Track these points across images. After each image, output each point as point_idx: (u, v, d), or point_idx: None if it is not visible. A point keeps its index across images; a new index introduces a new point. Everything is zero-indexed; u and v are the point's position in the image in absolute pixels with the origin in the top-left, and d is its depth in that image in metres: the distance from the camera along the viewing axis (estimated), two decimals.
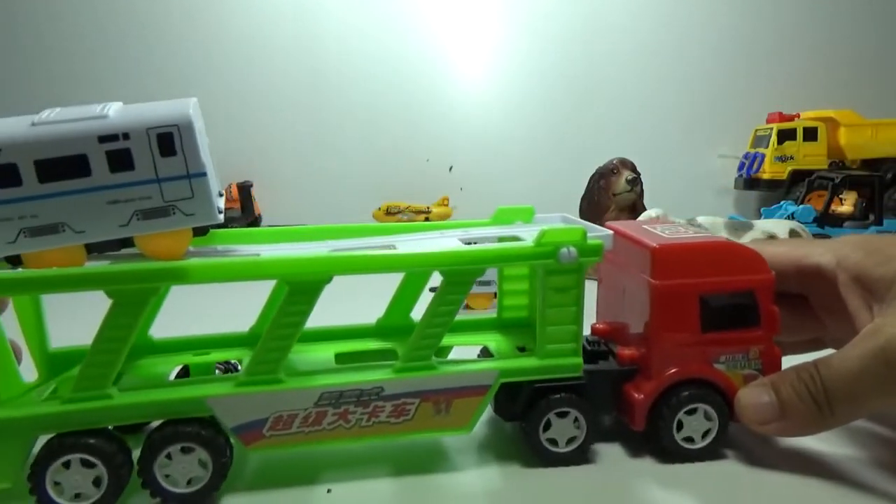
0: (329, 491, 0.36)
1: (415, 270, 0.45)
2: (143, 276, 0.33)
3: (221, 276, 0.35)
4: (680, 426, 0.39)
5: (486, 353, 0.45)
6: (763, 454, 0.40)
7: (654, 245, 0.39)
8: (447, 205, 1.61)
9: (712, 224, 0.81)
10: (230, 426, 0.35)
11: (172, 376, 0.41)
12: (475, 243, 0.40)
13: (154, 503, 0.35)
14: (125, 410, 0.34)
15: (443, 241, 0.41)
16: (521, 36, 1.68)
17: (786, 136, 1.48)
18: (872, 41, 1.67)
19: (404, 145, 1.69)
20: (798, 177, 1.42)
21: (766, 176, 1.50)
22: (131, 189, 0.31)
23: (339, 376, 0.37)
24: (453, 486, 0.37)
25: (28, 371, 0.40)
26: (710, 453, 0.39)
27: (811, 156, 1.47)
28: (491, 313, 0.49)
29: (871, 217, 1.16)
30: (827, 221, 1.14)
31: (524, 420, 0.39)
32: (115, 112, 0.31)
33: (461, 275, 0.36)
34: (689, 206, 1.17)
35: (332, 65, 1.67)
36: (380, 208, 1.57)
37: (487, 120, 1.69)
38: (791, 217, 1.08)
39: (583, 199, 1.01)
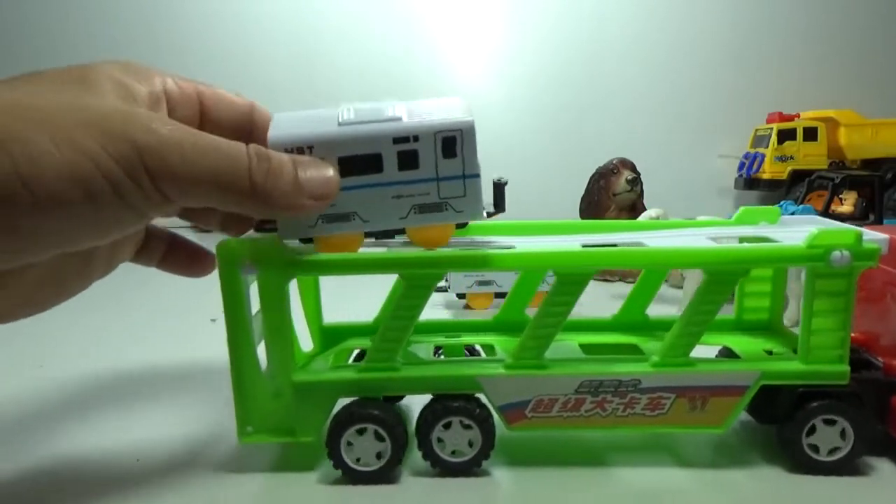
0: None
1: (673, 268, 0.48)
2: (442, 262, 0.37)
3: (518, 265, 0.40)
4: None
5: (725, 354, 0.46)
6: None
7: None
8: None
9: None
10: (497, 405, 0.38)
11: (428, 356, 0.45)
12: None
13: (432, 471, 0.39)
14: (409, 382, 0.38)
15: (693, 240, 0.42)
16: (520, 37, 1.68)
17: (786, 136, 1.49)
18: (873, 41, 1.68)
19: None
20: (798, 177, 1.43)
21: (766, 176, 1.51)
22: (414, 186, 0.35)
23: (598, 366, 0.39)
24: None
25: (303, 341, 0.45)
26: None
27: (811, 156, 1.48)
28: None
29: (872, 217, 1.16)
30: None
31: (785, 424, 0.38)
32: (405, 114, 0.35)
33: (726, 275, 0.37)
34: (689, 206, 1.17)
35: (333, 65, 1.67)
36: None
37: (487, 120, 1.69)
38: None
39: (583, 199, 1.01)
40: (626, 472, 0.39)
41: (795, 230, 0.42)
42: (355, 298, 0.49)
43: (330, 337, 0.48)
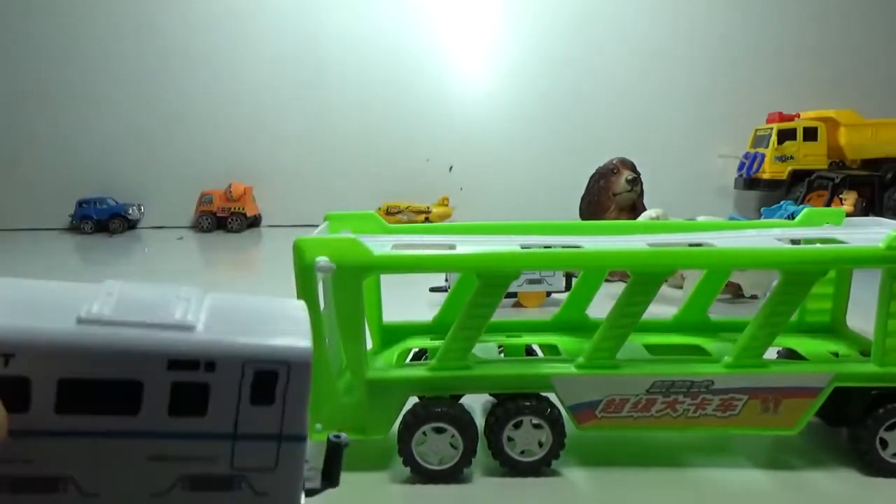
0: None
1: (752, 269, 0.49)
2: (521, 261, 0.37)
3: (603, 264, 0.39)
4: None
5: (786, 355, 0.46)
6: None
7: None
8: (447, 205, 1.61)
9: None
10: (568, 404, 0.38)
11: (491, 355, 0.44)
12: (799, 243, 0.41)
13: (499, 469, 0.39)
14: (481, 381, 0.38)
15: (762, 240, 0.41)
16: (521, 37, 1.69)
17: (786, 136, 1.50)
18: (873, 41, 1.69)
19: (404, 145, 1.69)
20: (798, 177, 1.43)
21: (766, 176, 1.51)
22: (189, 443, 0.21)
23: (671, 366, 0.39)
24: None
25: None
26: None
27: (811, 156, 1.48)
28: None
29: (871, 217, 1.16)
30: None
31: (857, 427, 0.38)
32: (202, 320, 0.21)
33: (804, 275, 0.37)
34: (689, 206, 1.18)
35: (333, 66, 1.67)
36: (380, 208, 1.57)
37: (488, 120, 1.69)
38: (791, 217, 1.08)
39: (583, 199, 1.01)
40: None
41: (863, 232, 0.42)
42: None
43: (388, 335, 0.47)
